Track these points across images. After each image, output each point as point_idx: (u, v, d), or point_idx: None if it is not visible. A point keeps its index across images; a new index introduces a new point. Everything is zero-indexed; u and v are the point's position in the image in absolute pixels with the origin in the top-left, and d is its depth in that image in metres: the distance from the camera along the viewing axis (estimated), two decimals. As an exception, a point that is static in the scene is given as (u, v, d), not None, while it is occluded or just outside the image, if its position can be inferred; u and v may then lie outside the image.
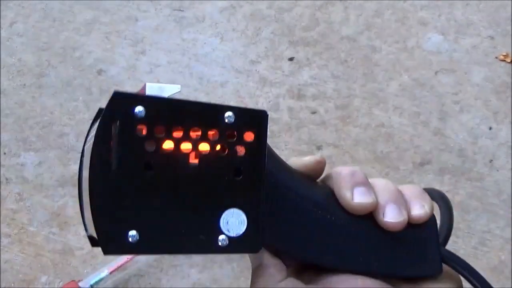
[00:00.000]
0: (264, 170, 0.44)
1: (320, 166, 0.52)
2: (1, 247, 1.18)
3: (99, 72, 1.38)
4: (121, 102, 0.42)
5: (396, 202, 0.49)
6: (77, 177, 1.18)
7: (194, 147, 0.43)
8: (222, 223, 0.44)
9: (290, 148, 1.27)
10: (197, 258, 1.15)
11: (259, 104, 1.32)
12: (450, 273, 0.52)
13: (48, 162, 1.27)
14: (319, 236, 0.49)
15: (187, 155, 0.43)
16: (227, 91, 1.35)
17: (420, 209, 0.50)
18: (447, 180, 1.23)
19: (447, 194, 1.18)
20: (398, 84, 1.34)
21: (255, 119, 0.44)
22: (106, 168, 0.42)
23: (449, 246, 1.10)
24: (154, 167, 0.43)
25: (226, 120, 0.43)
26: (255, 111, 0.44)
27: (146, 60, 1.40)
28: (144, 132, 0.42)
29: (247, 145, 0.44)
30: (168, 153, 0.43)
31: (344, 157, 1.26)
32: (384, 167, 1.25)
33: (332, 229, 0.49)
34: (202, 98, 1.33)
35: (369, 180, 0.51)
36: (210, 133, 0.43)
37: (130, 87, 1.35)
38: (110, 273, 1.11)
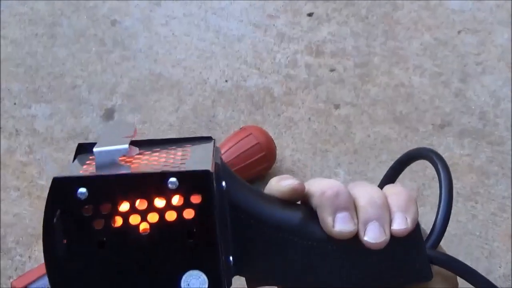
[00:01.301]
0: (216, 230, 0.44)
1: (296, 195, 0.50)
2: (10, 200, 1.13)
3: (113, 23, 1.32)
4: (62, 187, 0.42)
5: (379, 219, 0.48)
6: (88, 130, 1.13)
7: (143, 218, 0.43)
8: (183, 285, 0.44)
9: (307, 106, 1.22)
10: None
11: (277, 59, 1.26)
12: (443, 273, 0.51)
13: (59, 114, 1.22)
14: (298, 262, 0.49)
15: (137, 227, 0.43)
16: (244, 46, 1.29)
17: (401, 223, 0.49)
18: (467, 143, 1.17)
19: (466, 158, 1.13)
20: (419, 43, 1.28)
21: (199, 181, 0.43)
22: (59, 253, 0.42)
23: (467, 213, 1.05)
24: (106, 244, 0.43)
25: (170, 186, 0.43)
26: (197, 173, 0.43)
27: (161, 11, 1.34)
28: (91, 212, 0.42)
29: (195, 207, 0.43)
30: (118, 229, 0.43)
31: (362, 116, 1.20)
32: (403, 128, 1.19)
33: (310, 253, 0.49)
34: (219, 52, 1.28)
35: (355, 188, 0.50)
36: (157, 202, 0.43)
37: (145, 39, 1.30)
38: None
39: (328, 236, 0.49)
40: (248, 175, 1.11)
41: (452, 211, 1.12)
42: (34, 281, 1.01)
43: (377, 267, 0.50)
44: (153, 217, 0.43)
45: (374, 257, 0.49)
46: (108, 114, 1.22)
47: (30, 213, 1.12)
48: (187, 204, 0.43)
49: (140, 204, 0.43)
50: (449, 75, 1.25)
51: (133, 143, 0.47)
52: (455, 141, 1.18)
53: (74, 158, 0.49)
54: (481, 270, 1.05)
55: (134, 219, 0.43)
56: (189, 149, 0.49)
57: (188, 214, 0.43)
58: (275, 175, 1.13)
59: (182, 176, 0.43)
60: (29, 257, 1.07)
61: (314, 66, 1.26)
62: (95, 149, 0.44)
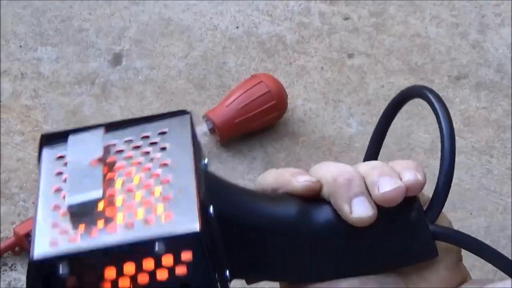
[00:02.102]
0: (212, 278, 0.42)
1: (311, 193, 0.48)
2: (14, 145, 1.09)
3: (122, -35, 1.27)
4: (42, 267, 0.39)
5: (389, 174, 0.47)
6: (95, 75, 1.08)
7: (132, 281, 0.40)
8: None
9: (320, 55, 1.17)
10: (218, 167, 1.06)
11: (289, 6, 1.21)
12: (446, 246, 0.50)
13: (65, 58, 1.17)
14: (300, 259, 0.47)
15: None
16: (256, -9, 1.24)
17: (411, 176, 0.47)
18: (483, 96, 1.13)
19: (482, 111, 1.08)
20: (437, -8, 1.23)
21: (188, 243, 0.40)
22: None
23: (482, 167, 1.01)
24: None
25: (158, 250, 0.40)
26: (185, 237, 0.40)
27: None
28: (76, 284, 0.40)
29: (187, 263, 0.41)
30: None
31: (376, 67, 1.15)
32: (418, 79, 1.14)
33: (312, 248, 0.48)
34: (229, -3, 1.23)
35: (358, 165, 0.48)
36: (145, 264, 0.40)
37: (154, -17, 1.25)
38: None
39: (328, 224, 0.47)
40: (258, 124, 1.07)
41: (467, 165, 1.08)
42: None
43: (380, 250, 0.48)
44: (143, 278, 0.40)
45: (377, 239, 0.47)
46: (116, 59, 1.17)
47: (34, 158, 1.08)
48: (178, 261, 0.40)
49: (128, 266, 0.40)
50: (466, 26, 1.20)
51: (98, 126, 0.44)
52: (471, 93, 1.13)
53: (39, 154, 0.46)
54: (495, 225, 1.01)
55: (123, 283, 0.40)
56: (167, 147, 0.45)
57: (181, 270, 0.40)
58: (285, 125, 1.10)
59: (169, 241, 0.39)
60: (32, 203, 1.04)
61: (328, 14, 1.21)
62: (67, 201, 0.40)
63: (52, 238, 0.40)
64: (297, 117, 1.11)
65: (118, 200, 0.42)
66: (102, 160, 0.43)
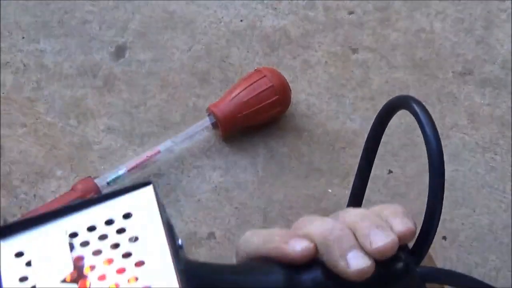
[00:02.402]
0: None
1: (309, 258, 0.47)
2: (16, 137, 1.08)
3: (126, -43, 1.26)
4: None
5: (380, 226, 0.46)
6: (98, 67, 1.07)
7: None
8: None
9: (325, 49, 1.16)
10: (220, 161, 1.05)
11: (294, 0, 1.19)
12: None
13: (68, 50, 1.16)
14: None
15: None
16: (261, -15, 1.22)
17: (401, 225, 0.46)
18: (488, 92, 1.11)
19: (487, 108, 1.07)
20: (443, -13, 1.21)
21: None
22: None
23: (486, 164, 0.99)
24: None
25: None
26: None
27: None
28: None
29: None
30: None
31: (380, 62, 1.14)
32: (422, 75, 1.13)
33: None
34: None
35: (344, 216, 0.47)
36: None
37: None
38: (128, 171, 1.02)
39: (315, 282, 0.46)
40: (261, 119, 1.06)
41: (471, 162, 1.07)
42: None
43: None
44: None
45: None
46: (119, 52, 1.16)
47: (36, 150, 1.07)
48: None
49: None
50: (472, 21, 1.18)
51: (59, 212, 0.41)
52: (476, 89, 1.12)
53: None
54: (498, 223, 1.00)
55: None
56: (139, 236, 0.41)
57: None
58: (289, 119, 1.08)
59: None
60: (34, 195, 1.03)
61: (333, 8, 1.19)
62: None
63: None
64: (301, 111, 1.10)
65: None
66: (76, 277, 0.39)
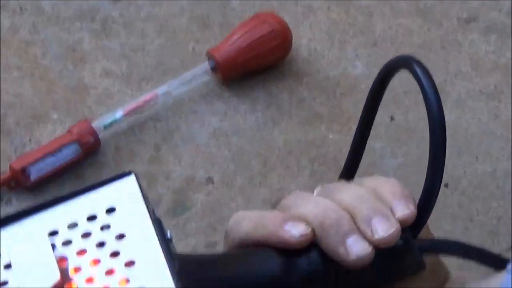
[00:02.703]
0: None
1: (305, 243, 0.44)
2: (12, 80, 1.06)
3: None
4: None
5: (381, 211, 0.44)
6: (95, 10, 1.03)
7: None
8: None
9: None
10: (219, 106, 1.03)
11: None
12: (433, 267, 0.48)
13: (65, -7, 1.13)
14: None
15: None
16: None
17: (404, 209, 0.44)
18: (493, 40, 1.09)
19: (491, 55, 1.04)
20: None
21: None
22: None
23: (490, 112, 0.97)
24: None
25: None
26: None
27: None
28: None
29: None
30: None
31: (384, 8, 1.11)
32: (426, 21, 1.11)
33: None
34: None
35: (337, 194, 0.45)
36: None
37: None
38: (125, 114, 1.00)
39: (317, 271, 0.44)
40: (261, 64, 1.04)
41: (474, 109, 1.04)
42: (33, 163, 0.95)
43: (369, 278, 0.46)
44: None
45: (368, 268, 0.44)
46: (117, -5, 1.13)
47: (32, 94, 1.05)
48: None
49: None
50: (478, -33, 1.15)
51: (36, 208, 0.38)
52: (480, 37, 1.10)
53: None
54: (499, 171, 0.99)
55: None
56: (125, 234, 0.38)
57: None
58: (290, 64, 1.06)
59: None
60: (29, 139, 1.01)
61: (335, -47, 1.16)
62: None
63: None
64: (302, 57, 1.07)
65: None
66: (61, 283, 0.36)
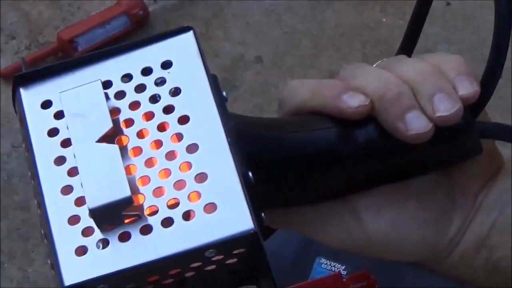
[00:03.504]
0: (266, 262, 0.36)
1: (363, 115, 0.42)
2: None
3: None
4: None
5: (444, 88, 0.41)
6: None
7: (178, 278, 0.35)
8: None
9: None
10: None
11: None
12: (489, 152, 0.45)
13: None
14: (342, 179, 0.42)
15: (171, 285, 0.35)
16: None
17: (468, 86, 0.41)
18: None
19: None
20: None
21: (242, 242, 0.34)
22: None
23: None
24: None
25: (207, 255, 0.34)
26: (240, 238, 0.34)
27: None
28: None
29: (238, 255, 0.35)
30: None
31: None
32: None
33: (354, 165, 0.42)
34: None
35: (398, 68, 0.42)
36: (192, 265, 0.35)
37: None
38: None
39: (373, 144, 0.42)
40: None
41: None
42: (81, 33, 0.94)
43: (426, 159, 0.43)
44: (189, 274, 0.35)
45: (426, 146, 0.42)
46: None
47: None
48: (228, 257, 0.35)
49: (173, 271, 0.35)
50: None
51: (89, 57, 0.36)
52: None
53: (15, 97, 0.37)
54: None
55: (167, 281, 0.35)
56: (180, 89, 0.35)
57: (231, 261, 0.35)
58: None
59: (222, 245, 0.33)
60: (78, 7, 0.99)
61: None
62: (89, 204, 0.33)
63: (80, 259, 0.33)
64: None
65: (141, 181, 0.34)
66: (113, 133, 0.35)
